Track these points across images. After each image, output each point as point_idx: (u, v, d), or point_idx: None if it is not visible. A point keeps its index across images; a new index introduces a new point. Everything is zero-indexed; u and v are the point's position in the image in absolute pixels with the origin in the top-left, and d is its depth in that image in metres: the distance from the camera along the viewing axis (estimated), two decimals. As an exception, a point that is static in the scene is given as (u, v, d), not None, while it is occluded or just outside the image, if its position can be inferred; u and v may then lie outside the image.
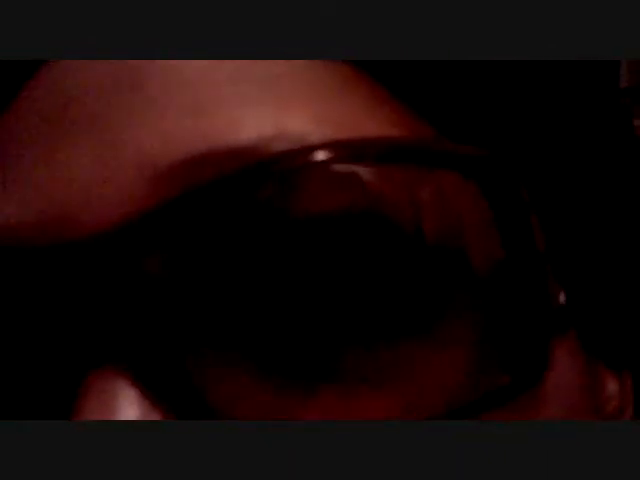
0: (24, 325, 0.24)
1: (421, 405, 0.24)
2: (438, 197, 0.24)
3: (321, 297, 0.24)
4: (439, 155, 0.24)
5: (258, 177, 0.23)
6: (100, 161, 0.24)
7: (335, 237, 0.24)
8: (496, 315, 0.25)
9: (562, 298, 0.26)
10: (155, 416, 0.23)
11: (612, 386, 0.30)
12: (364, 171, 0.24)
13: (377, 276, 0.24)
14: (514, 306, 0.25)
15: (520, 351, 0.25)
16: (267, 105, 0.24)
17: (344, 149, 0.24)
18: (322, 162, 0.24)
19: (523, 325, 0.25)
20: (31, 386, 0.24)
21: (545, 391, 0.25)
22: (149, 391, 0.23)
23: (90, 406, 0.23)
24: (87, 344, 0.23)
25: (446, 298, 0.24)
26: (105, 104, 0.24)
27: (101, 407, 0.23)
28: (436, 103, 0.26)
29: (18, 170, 0.25)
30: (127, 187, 0.24)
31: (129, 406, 0.23)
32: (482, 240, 0.25)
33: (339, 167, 0.24)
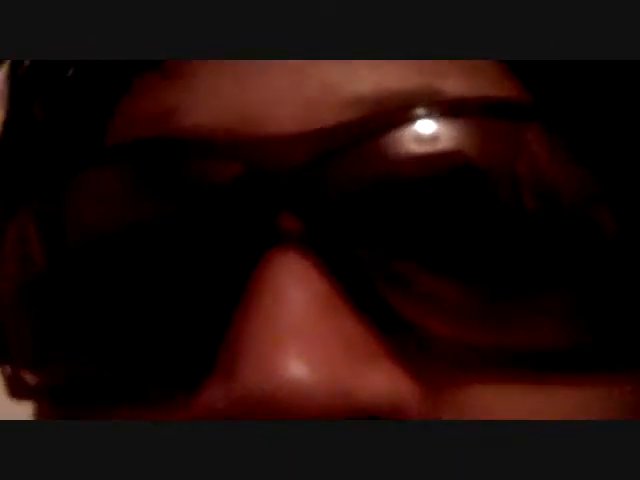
0: (215, 213, 0.25)
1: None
2: (532, 154, 0.25)
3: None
4: (532, 110, 0.26)
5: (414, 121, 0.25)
6: (288, 83, 0.26)
7: (431, 194, 0.25)
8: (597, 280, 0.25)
9: None
10: (336, 291, 0.24)
11: None
12: (460, 128, 0.25)
13: (471, 233, 0.25)
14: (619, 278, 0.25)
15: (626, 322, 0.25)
16: (429, 66, 0.26)
17: (440, 107, 0.25)
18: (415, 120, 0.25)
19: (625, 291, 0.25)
20: (201, 271, 0.25)
21: None
22: (331, 271, 0.24)
23: (271, 275, 0.24)
24: (267, 227, 0.25)
25: (547, 257, 0.25)
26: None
27: (284, 275, 0.24)
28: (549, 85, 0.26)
29: (205, 81, 0.27)
30: (312, 107, 0.26)
31: (312, 276, 0.24)
32: (575, 200, 0.25)
33: (433, 125, 0.25)
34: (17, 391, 0.28)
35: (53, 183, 0.27)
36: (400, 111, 0.25)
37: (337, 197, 0.25)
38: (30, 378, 0.28)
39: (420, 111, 0.25)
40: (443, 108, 0.25)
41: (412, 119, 0.25)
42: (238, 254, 0.25)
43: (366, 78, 0.26)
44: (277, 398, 0.23)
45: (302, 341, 0.23)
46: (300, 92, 0.26)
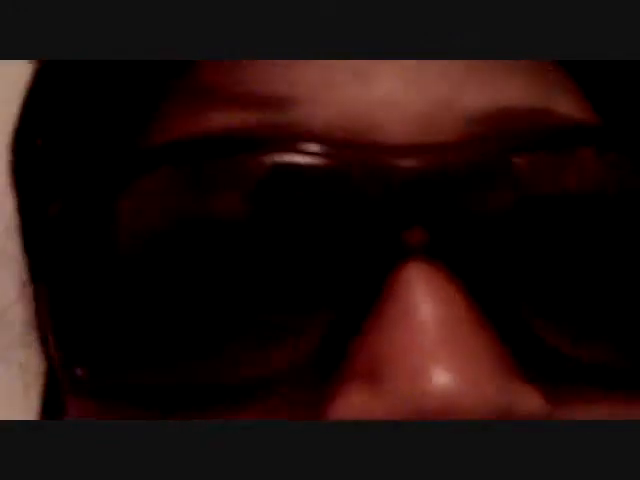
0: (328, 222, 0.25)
1: None
2: (618, 180, 0.26)
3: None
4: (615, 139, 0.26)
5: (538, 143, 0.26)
6: (409, 87, 0.25)
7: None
8: None
9: None
10: (464, 302, 0.24)
11: None
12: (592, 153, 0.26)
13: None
14: None
15: None
16: (538, 84, 0.26)
17: (609, 134, 0.26)
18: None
19: None
20: (329, 280, 0.25)
21: None
22: (462, 282, 0.24)
23: (403, 285, 0.24)
24: (396, 242, 0.24)
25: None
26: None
27: (415, 285, 0.24)
28: (611, 96, 0.27)
29: (328, 83, 0.25)
30: (434, 116, 0.25)
31: (440, 286, 0.24)
32: None
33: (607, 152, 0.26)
34: (77, 389, 0.27)
35: (106, 189, 0.26)
36: (527, 131, 0.25)
37: (475, 215, 0.25)
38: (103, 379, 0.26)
39: (547, 134, 0.26)
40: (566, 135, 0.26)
41: (541, 141, 0.26)
42: (368, 264, 0.24)
43: (478, 94, 0.26)
44: (429, 409, 0.23)
45: (454, 355, 0.23)
46: (421, 99, 0.25)
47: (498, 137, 0.25)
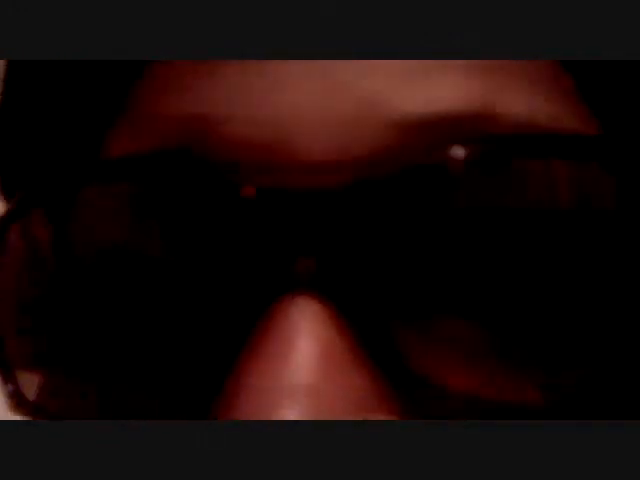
0: (218, 241, 0.24)
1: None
2: (595, 192, 0.24)
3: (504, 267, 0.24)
4: (599, 149, 0.24)
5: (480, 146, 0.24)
6: (328, 93, 0.24)
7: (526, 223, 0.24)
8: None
9: None
10: (340, 334, 0.23)
11: None
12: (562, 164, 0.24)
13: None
14: None
15: None
16: (494, 82, 0.24)
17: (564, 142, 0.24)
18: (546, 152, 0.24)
19: None
20: (217, 305, 0.25)
21: None
22: (338, 313, 0.24)
23: (278, 321, 0.23)
24: (281, 269, 0.24)
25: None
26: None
27: (289, 321, 0.23)
28: (611, 100, 0.25)
29: (241, 91, 0.24)
30: (353, 124, 0.24)
31: (319, 319, 0.23)
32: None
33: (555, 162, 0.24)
34: (18, 406, 0.28)
35: (61, 192, 0.27)
36: (449, 141, 0.24)
37: (353, 241, 0.24)
38: (31, 393, 0.27)
39: (475, 144, 0.24)
40: (500, 144, 0.24)
41: (465, 152, 0.24)
42: (252, 294, 0.24)
43: (413, 94, 0.24)
44: None
45: (308, 398, 0.23)
46: (340, 106, 0.24)
47: (409, 151, 0.23)
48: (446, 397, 0.24)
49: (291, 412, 0.22)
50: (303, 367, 0.23)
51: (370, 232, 0.24)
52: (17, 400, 0.27)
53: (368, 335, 0.24)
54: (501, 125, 0.24)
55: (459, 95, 0.24)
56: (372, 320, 0.24)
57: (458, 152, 0.24)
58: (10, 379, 0.27)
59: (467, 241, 0.24)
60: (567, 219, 0.24)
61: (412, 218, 0.24)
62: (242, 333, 0.24)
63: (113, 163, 0.26)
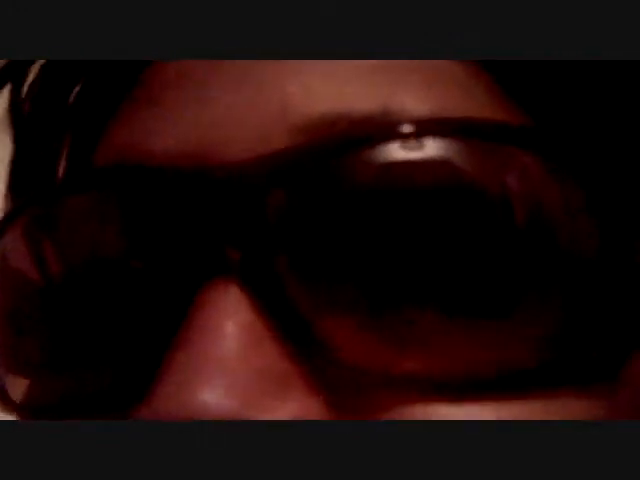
0: (149, 240, 0.27)
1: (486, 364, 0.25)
2: (528, 180, 0.25)
3: (410, 253, 0.25)
4: (530, 138, 0.25)
5: (359, 144, 0.25)
6: (246, 103, 0.26)
7: (424, 205, 0.25)
8: (577, 301, 0.25)
9: None
10: (263, 323, 0.25)
11: None
12: (458, 147, 0.25)
13: (462, 248, 0.25)
14: (597, 295, 0.25)
15: (597, 342, 0.25)
16: (392, 84, 0.26)
17: (430, 124, 0.25)
18: (407, 132, 0.25)
19: (605, 316, 0.25)
20: (147, 296, 0.26)
21: (620, 391, 0.25)
22: (260, 302, 0.25)
23: (206, 306, 0.25)
24: (206, 259, 0.25)
25: (529, 278, 0.25)
26: (255, 63, 0.27)
27: (215, 310, 0.25)
28: (536, 95, 0.26)
29: (171, 107, 0.27)
30: (267, 129, 0.26)
31: (242, 309, 0.25)
32: (567, 224, 0.25)
33: (425, 139, 0.25)
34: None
35: (46, 200, 0.29)
36: (348, 138, 0.25)
37: (273, 227, 0.25)
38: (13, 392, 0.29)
39: (369, 140, 0.25)
40: (399, 134, 0.25)
41: (360, 148, 0.25)
42: (182, 283, 0.26)
43: (322, 97, 0.26)
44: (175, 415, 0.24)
45: (222, 375, 0.24)
46: (256, 114, 0.26)
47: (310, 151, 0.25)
48: (363, 376, 0.25)
49: (210, 396, 0.24)
50: (217, 348, 0.24)
51: (284, 222, 0.25)
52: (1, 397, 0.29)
53: (288, 321, 0.25)
54: (402, 122, 0.25)
55: (360, 95, 0.26)
56: (292, 307, 0.25)
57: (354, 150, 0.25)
58: None
59: (370, 226, 0.25)
60: (471, 202, 0.25)
61: (316, 210, 0.25)
62: (170, 324, 0.25)
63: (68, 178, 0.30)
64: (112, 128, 0.29)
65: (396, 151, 0.25)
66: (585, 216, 0.25)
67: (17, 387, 0.28)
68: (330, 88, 0.26)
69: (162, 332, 0.25)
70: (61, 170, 0.33)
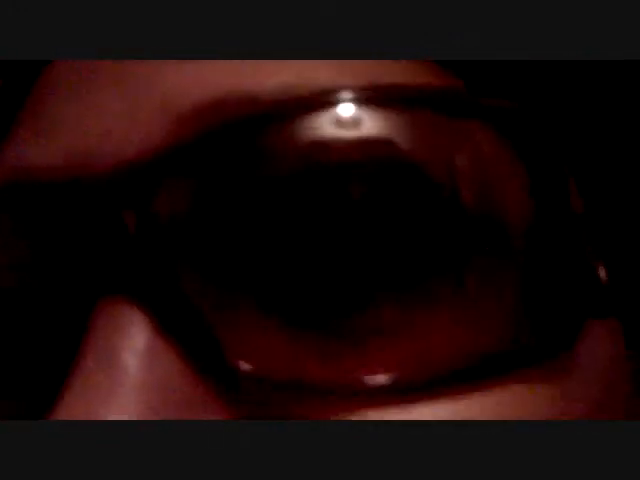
0: (40, 257, 0.26)
1: (438, 359, 0.23)
2: (471, 151, 0.23)
3: (341, 247, 0.23)
4: (471, 105, 0.23)
5: (269, 122, 0.23)
6: (125, 102, 0.25)
7: (356, 185, 0.23)
8: (528, 279, 0.24)
9: (602, 274, 0.24)
10: (160, 343, 0.23)
11: None
12: (389, 117, 0.23)
13: (402, 228, 0.23)
14: (547, 271, 0.24)
15: (550, 317, 0.24)
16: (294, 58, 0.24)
17: (366, 92, 0.23)
18: (336, 104, 0.23)
19: (555, 291, 0.24)
20: (44, 315, 0.26)
21: (576, 365, 0.24)
22: (156, 319, 0.24)
23: (101, 328, 0.24)
24: (99, 275, 0.24)
25: (476, 257, 0.23)
26: (132, 62, 0.25)
27: (111, 330, 0.23)
28: (471, 63, 0.24)
29: (49, 115, 0.26)
30: (147, 126, 0.24)
31: (137, 330, 0.23)
32: (516, 200, 0.24)
33: (359, 112, 0.23)
34: None
35: None
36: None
37: (164, 233, 0.24)
38: None
39: (286, 116, 0.23)
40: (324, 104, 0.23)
41: (275, 126, 0.23)
42: (75, 303, 0.25)
43: (213, 80, 0.24)
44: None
45: (135, 398, 0.23)
46: (134, 116, 0.24)
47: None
48: (270, 388, 0.23)
49: (119, 413, 0.23)
50: (116, 368, 0.23)
51: (178, 225, 0.24)
52: None
53: (189, 337, 0.24)
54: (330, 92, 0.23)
55: (226, 80, 0.24)
56: (190, 322, 0.24)
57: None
58: None
59: (288, 221, 0.23)
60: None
61: (217, 206, 0.24)
62: (69, 339, 0.24)
63: None
64: (6, 142, 0.28)
65: (324, 127, 0.23)
66: (527, 193, 0.24)
67: None
68: (221, 71, 0.24)
69: (59, 354, 0.25)
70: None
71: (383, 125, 0.23)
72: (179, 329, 0.24)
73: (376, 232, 0.23)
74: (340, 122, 0.23)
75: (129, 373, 0.23)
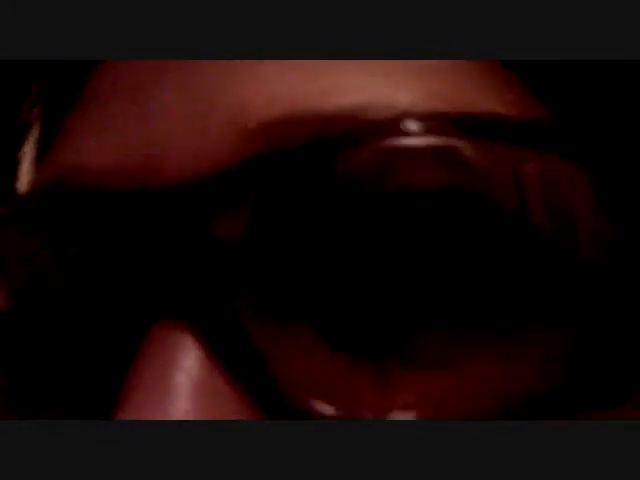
0: (92, 271, 0.24)
1: (491, 395, 0.23)
2: (545, 182, 0.23)
3: (405, 277, 0.22)
4: (548, 137, 0.23)
5: (344, 145, 0.22)
6: (192, 114, 0.24)
7: (427, 213, 0.22)
8: (603, 311, 0.23)
9: None
10: (211, 366, 0.23)
11: None
12: (466, 146, 0.22)
13: (469, 259, 0.22)
14: (621, 306, 0.23)
15: (618, 362, 0.23)
16: (375, 75, 0.23)
17: (445, 121, 0.22)
18: (418, 133, 0.22)
19: (630, 331, 0.23)
20: (94, 338, 0.25)
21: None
22: (208, 345, 0.23)
23: (152, 353, 0.23)
24: (152, 297, 0.23)
25: (546, 290, 0.23)
26: (200, 65, 0.24)
27: (162, 354, 0.23)
28: (560, 93, 0.24)
29: (108, 115, 0.25)
30: (215, 139, 0.23)
31: (187, 354, 0.23)
32: (592, 233, 0.23)
33: (437, 139, 0.22)
34: None
35: None
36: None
37: (227, 260, 0.23)
38: None
39: (358, 140, 0.22)
40: (398, 131, 0.22)
41: (347, 149, 0.22)
42: (128, 322, 0.24)
43: (282, 95, 0.23)
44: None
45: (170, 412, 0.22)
46: (201, 130, 0.23)
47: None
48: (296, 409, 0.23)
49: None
50: (179, 402, 0.22)
51: (242, 252, 0.23)
52: None
53: (241, 365, 0.23)
54: (401, 118, 0.23)
55: (298, 96, 0.23)
56: (244, 350, 0.23)
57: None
58: None
59: (328, 258, 0.23)
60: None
61: (288, 232, 0.23)
62: (119, 365, 0.24)
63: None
64: (56, 143, 0.27)
65: (400, 152, 0.22)
66: (604, 224, 0.23)
67: None
68: (291, 84, 0.23)
69: (110, 374, 0.24)
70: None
71: (458, 154, 0.23)
72: (231, 355, 0.23)
73: (446, 264, 0.22)
74: (419, 149, 0.22)
75: (180, 394, 0.22)
